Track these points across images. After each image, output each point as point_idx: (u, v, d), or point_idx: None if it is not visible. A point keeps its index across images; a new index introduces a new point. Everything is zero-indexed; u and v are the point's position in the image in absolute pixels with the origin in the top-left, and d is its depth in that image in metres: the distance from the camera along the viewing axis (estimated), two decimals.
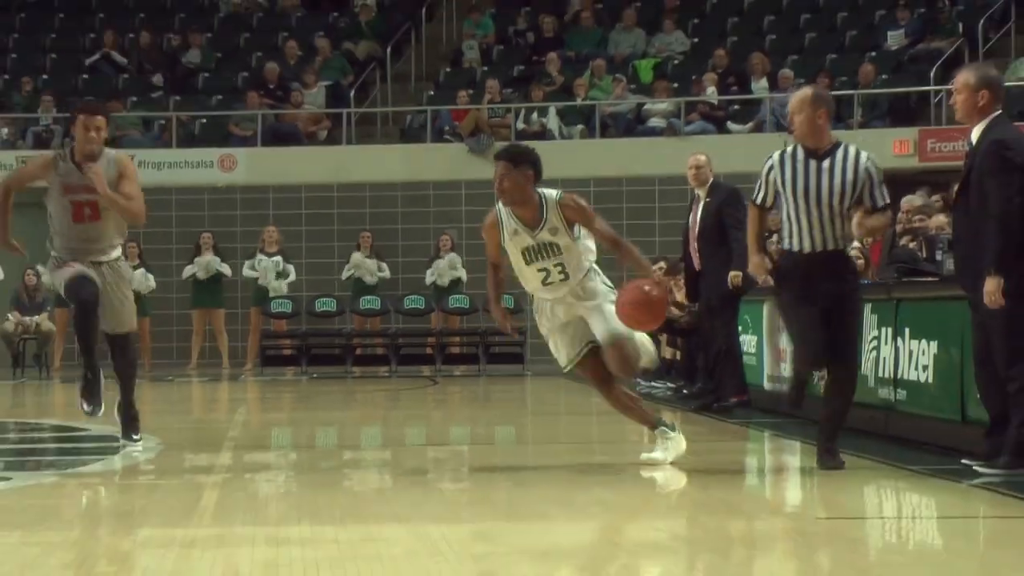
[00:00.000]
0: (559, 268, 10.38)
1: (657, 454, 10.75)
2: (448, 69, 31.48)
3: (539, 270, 10.43)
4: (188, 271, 25.67)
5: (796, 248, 10.04)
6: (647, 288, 10.20)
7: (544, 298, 10.60)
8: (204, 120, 29.96)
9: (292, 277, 25.63)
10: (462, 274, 26.33)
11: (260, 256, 25.59)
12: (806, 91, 10.35)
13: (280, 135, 29.07)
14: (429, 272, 26.23)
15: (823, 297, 9.96)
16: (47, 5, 33.67)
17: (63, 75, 31.35)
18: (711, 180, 15.53)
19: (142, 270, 24.96)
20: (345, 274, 25.97)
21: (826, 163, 9.93)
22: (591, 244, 10.58)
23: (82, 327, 11.64)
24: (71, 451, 13.05)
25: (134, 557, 7.47)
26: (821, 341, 9.97)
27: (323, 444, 14.73)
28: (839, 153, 9.99)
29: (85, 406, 11.92)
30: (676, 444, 10.76)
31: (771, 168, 10.14)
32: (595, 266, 10.60)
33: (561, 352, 10.71)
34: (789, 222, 10.06)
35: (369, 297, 25.75)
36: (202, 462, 12.28)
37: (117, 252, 11.93)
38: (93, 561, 7.34)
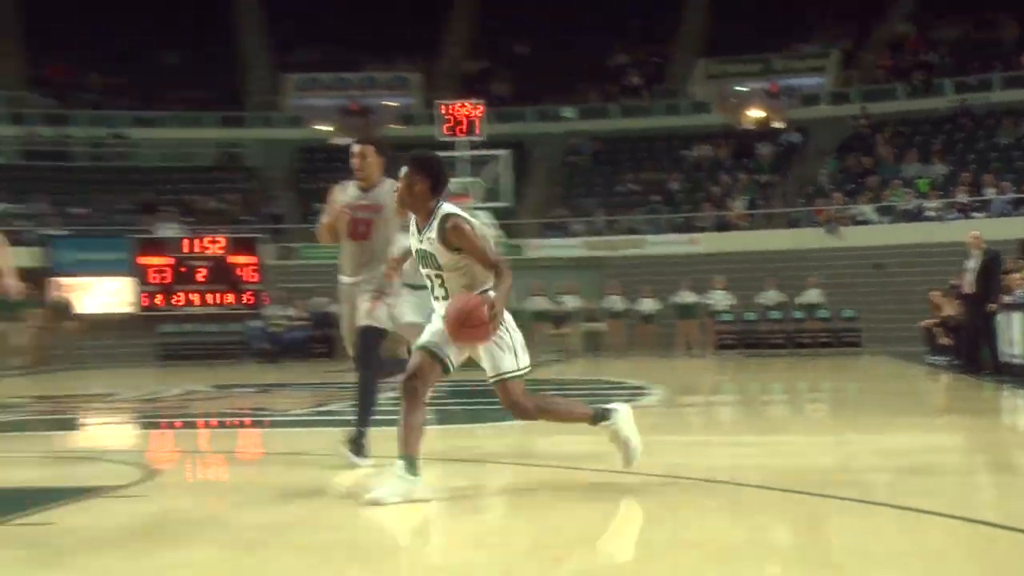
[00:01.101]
0: (439, 282, 5.65)
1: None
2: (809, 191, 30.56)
3: (425, 275, 5.71)
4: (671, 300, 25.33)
5: None
6: (472, 303, 5.45)
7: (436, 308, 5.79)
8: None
9: (734, 301, 25.15)
10: (822, 300, 25.44)
11: (712, 291, 25.31)
12: None
13: (720, 225, 28.87)
14: (797, 298, 25.43)
15: None
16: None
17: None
18: (984, 245, 15.00)
19: (652, 300, 24.99)
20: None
21: None
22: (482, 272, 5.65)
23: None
24: (473, 405, 11.30)
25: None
26: None
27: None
28: None
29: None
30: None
31: None
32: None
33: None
34: None
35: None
36: (686, 400, 11.94)
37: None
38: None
